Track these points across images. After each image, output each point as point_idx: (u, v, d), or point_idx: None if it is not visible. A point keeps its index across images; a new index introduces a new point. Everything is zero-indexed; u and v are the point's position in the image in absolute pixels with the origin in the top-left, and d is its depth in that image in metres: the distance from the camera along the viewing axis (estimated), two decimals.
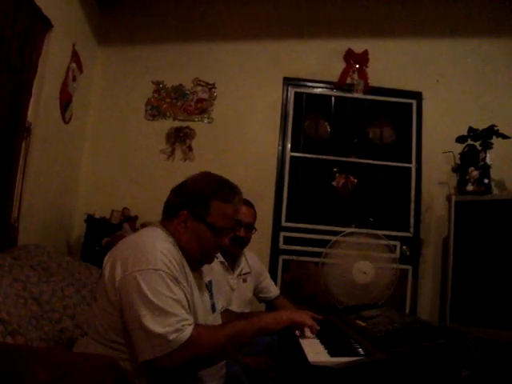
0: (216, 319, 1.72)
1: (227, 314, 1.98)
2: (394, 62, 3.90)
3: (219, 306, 1.85)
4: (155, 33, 3.92)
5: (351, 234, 3.26)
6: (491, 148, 3.39)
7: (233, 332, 1.41)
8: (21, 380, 1.11)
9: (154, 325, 1.29)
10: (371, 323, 1.74)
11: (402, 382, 1.30)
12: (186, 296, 1.41)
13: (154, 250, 1.40)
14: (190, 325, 1.33)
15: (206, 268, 1.74)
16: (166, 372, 1.33)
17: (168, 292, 1.34)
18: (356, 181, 3.82)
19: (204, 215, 1.54)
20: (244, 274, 2.57)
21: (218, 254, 2.43)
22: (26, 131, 2.76)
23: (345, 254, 3.18)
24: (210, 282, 1.77)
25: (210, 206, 1.54)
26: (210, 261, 1.67)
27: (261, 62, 3.91)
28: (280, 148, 3.79)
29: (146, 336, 1.29)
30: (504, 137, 3.35)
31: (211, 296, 1.73)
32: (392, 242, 3.43)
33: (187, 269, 1.50)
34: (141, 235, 1.55)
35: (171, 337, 1.28)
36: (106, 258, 1.49)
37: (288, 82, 3.89)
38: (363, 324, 1.76)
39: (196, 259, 1.58)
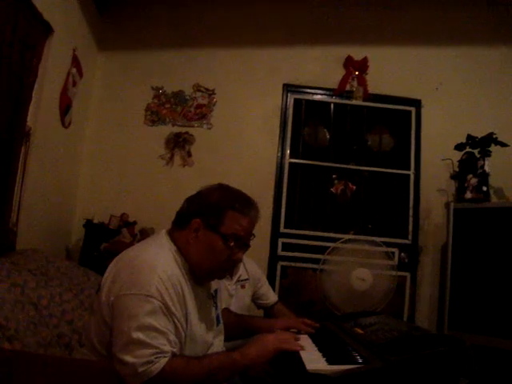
0: (220, 332, 1.69)
1: (225, 313, 1.97)
2: (393, 70, 3.91)
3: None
4: (155, 38, 3.93)
5: (350, 240, 3.26)
6: (490, 156, 3.39)
7: (212, 369, 1.35)
8: None
9: (124, 353, 1.25)
10: (369, 331, 1.74)
11: None
12: (176, 328, 1.35)
13: (152, 272, 1.34)
14: (162, 354, 1.27)
15: None
16: None
17: (154, 321, 1.28)
18: (355, 187, 3.82)
19: (217, 225, 1.47)
20: (242, 281, 2.56)
21: None
22: (26, 136, 2.76)
23: (343, 261, 3.17)
24: (216, 290, 1.71)
25: (224, 216, 1.48)
26: (220, 276, 1.60)
27: (261, 68, 3.92)
28: (279, 154, 3.79)
29: (119, 362, 1.26)
30: (502, 144, 3.36)
31: (216, 307, 1.68)
32: (390, 249, 3.43)
33: (188, 290, 1.44)
34: (144, 251, 1.47)
35: (140, 369, 1.23)
36: (108, 271, 1.45)
37: (287, 88, 3.90)
38: (361, 331, 1.76)
39: (205, 273, 1.51)
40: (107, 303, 1.36)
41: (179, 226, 1.53)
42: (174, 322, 1.34)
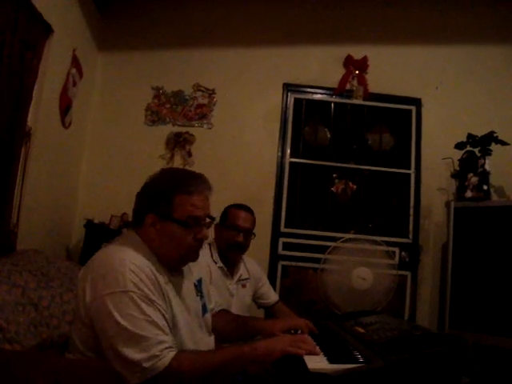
0: (206, 321, 1.67)
1: (224, 314, 1.95)
2: (393, 69, 3.91)
3: (212, 304, 1.82)
4: (155, 38, 3.93)
5: (350, 239, 3.27)
6: (490, 154, 3.39)
7: (220, 363, 1.34)
8: None
9: (127, 351, 1.24)
10: (370, 330, 1.73)
11: None
12: (162, 314, 1.35)
13: (123, 267, 1.33)
14: (169, 349, 1.27)
15: (195, 265, 1.68)
16: None
17: (140, 314, 1.28)
18: (355, 187, 3.82)
19: (170, 213, 1.46)
20: (243, 280, 2.57)
21: (217, 259, 2.45)
22: (26, 136, 2.75)
23: (344, 260, 3.18)
24: (200, 280, 1.71)
25: (173, 202, 1.47)
26: (193, 258, 1.57)
27: (261, 67, 3.91)
28: (279, 154, 3.79)
29: (123, 362, 1.25)
30: (503, 143, 3.36)
31: (201, 296, 1.67)
32: (391, 248, 3.43)
33: (164, 280, 1.43)
34: (111, 251, 1.44)
35: (146, 364, 1.23)
36: (79, 276, 1.44)
37: (288, 87, 3.90)
38: (362, 331, 1.76)
39: (175, 261, 1.51)
40: (83, 305, 1.35)
41: (137, 225, 1.53)
42: (158, 309, 1.33)
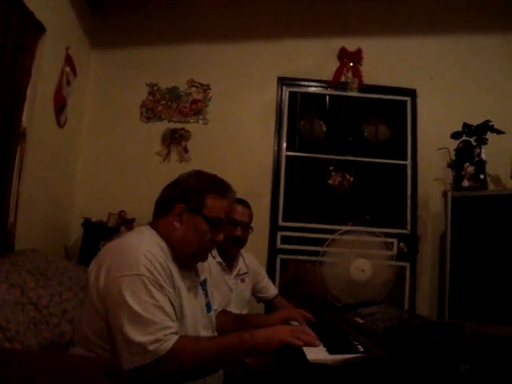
0: (211, 319, 1.71)
1: (224, 315, 1.98)
2: (387, 60, 3.91)
3: (215, 305, 1.85)
4: (148, 35, 3.91)
5: (348, 232, 3.27)
6: (486, 143, 3.40)
7: (221, 348, 1.36)
8: None
9: (133, 333, 1.26)
10: (369, 320, 1.74)
11: (400, 378, 1.31)
12: (171, 302, 1.38)
13: (137, 253, 1.37)
14: (173, 334, 1.30)
15: (200, 266, 1.72)
16: (150, 383, 1.29)
17: (149, 298, 1.31)
18: (352, 179, 3.82)
19: (200, 208, 1.54)
20: (242, 275, 2.57)
21: (216, 255, 2.45)
22: (21, 136, 2.74)
23: (342, 253, 3.18)
24: (205, 280, 1.75)
25: (205, 200, 1.54)
26: (204, 257, 1.64)
27: (255, 62, 3.91)
28: (275, 148, 3.79)
29: (126, 344, 1.27)
30: (498, 132, 3.36)
31: (206, 295, 1.71)
32: (389, 240, 3.44)
33: (175, 271, 1.47)
34: (126, 238, 1.52)
35: (150, 347, 1.25)
36: (92, 263, 1.47)
37: (282, 81, 3.89)
38: (361, 321, 1.76)
39: (190, 255, 1.56)
40: (96, 292, 1.37)
41: (161, 214, 1.58)
42: (167, 296, 1.37)
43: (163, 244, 1.50)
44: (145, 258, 1.36)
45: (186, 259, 1.56)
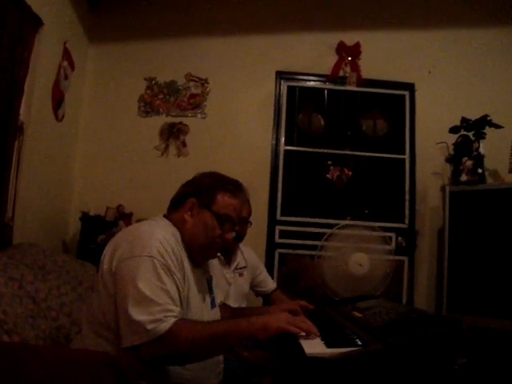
0: (215, 315, 1.73)
1: (223, 308, 1.98)
2: (386, 54, 3.90)
3: (218, 301, 1.85)
4: (146, 29, 3.90)
5: (347, 226, 3.26)
6: (484, 138, 3.40)
7: (218, 332, 1.38)
8: (17, 378, 1.10)
9: (135, 311, 1.28)
10: (367, 314, 1.74)
11: (398, 371, 1.31)
12: (177, 287, 1.40)
13: (151, 237, 1.42)
14: (172, 317, 1.31)
15: (206, 264, 1.75)
16: (147, 363, 1.33)
17: (157, 281, 1.34)
18: (350, 173, 3.81)
19: (210, 203, 1.58)
20: (240, 268, 2.58)
21: None
22: (19, 130, 2.75)
23: (341, 247, 3.18)
24: (211, 277, 1.78)
25: (216, 196, 1.59)
26: (212, 254, 1.68)
27: (253, 56, 3.89)
28: (274, 142, 3.78)
29: (128, 322, 1.29)
30: (497, 126, 3.36)
31: (211, 291, 1.74)
32: (387, 234, 3.44)
33: (187, 263, 1.51)
34: (141, 225, 1.58)
35: (149, 326, 1.27)
36: (106, 247, 1.50)
37: (281, 75, 3.88)
38: (359, 315, 1.77)
39: (198, 249, 1.58)
40: (109, 272, 1.41)
41: (174, 207, 1.63)
42: (175, 281, 1.40)
43: (177, 234, 1.55)
44: (158, 242, 1.41)
45: (195, 253, 1.58)
